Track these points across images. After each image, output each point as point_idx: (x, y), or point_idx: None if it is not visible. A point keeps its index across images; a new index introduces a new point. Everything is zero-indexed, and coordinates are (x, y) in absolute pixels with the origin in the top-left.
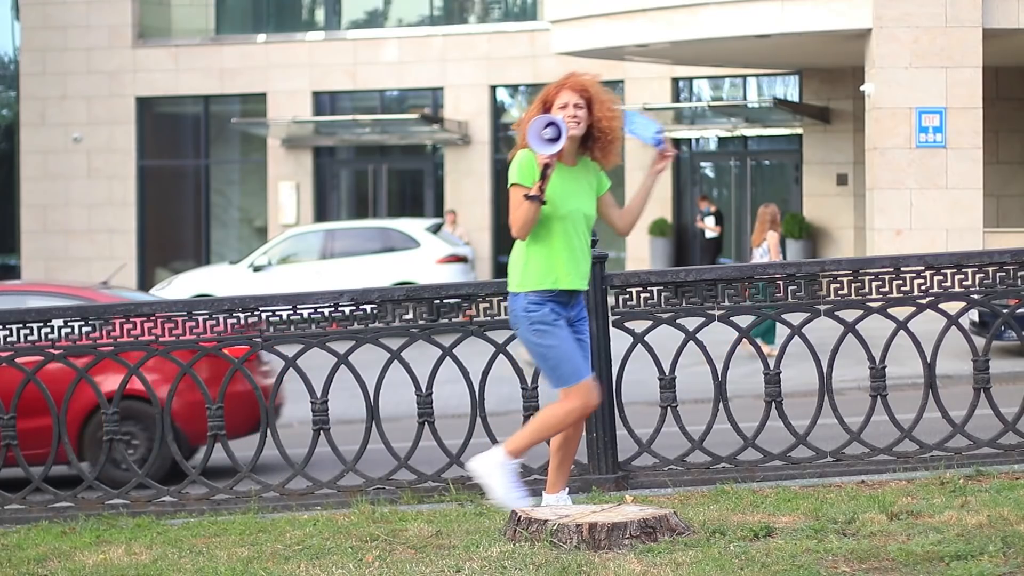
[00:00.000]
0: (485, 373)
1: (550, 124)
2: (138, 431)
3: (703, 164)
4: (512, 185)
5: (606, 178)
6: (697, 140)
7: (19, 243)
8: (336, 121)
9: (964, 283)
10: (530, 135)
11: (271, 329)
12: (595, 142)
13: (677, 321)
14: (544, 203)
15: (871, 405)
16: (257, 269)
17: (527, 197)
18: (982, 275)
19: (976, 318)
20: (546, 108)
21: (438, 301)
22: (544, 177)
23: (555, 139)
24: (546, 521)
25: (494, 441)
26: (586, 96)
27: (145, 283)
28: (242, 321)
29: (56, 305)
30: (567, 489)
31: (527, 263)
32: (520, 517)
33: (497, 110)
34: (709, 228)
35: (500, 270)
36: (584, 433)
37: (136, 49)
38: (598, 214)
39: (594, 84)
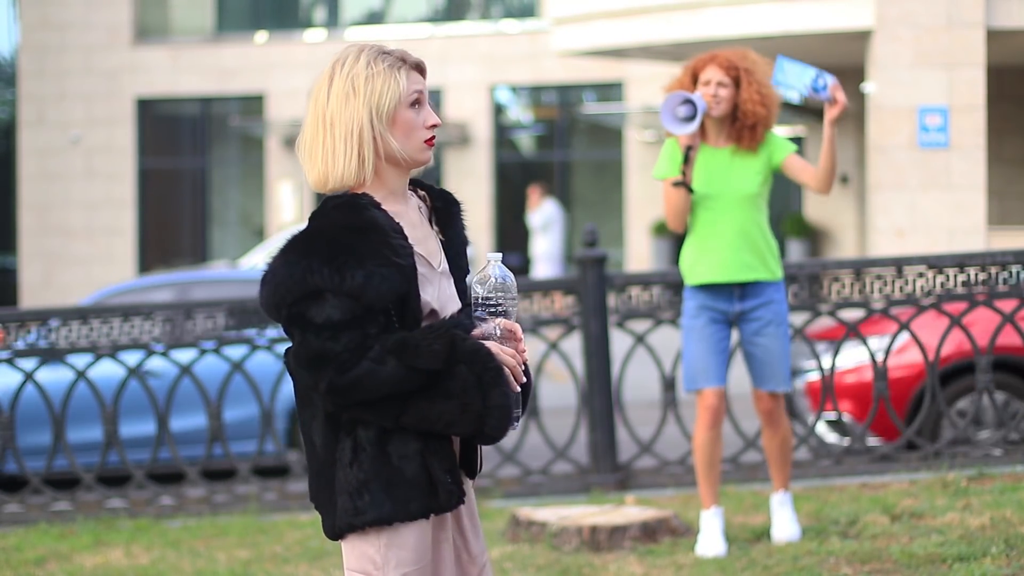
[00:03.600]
0: None
1: (686, 102)
2: None
3: None
4: (660, 179)
5: (780, 147)
6: None
7: (17, 243)
8: None
9: (966, 283)
10: (663, 113)
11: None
12: (734, 123)
13: (678, 321)
14: (691, 190)
15: (873, 406)
16: (257, 268)
17: (673, 184)
18: (984, 275)
19: None
20: (693, 81)
21: None
22: (687, 160)
23: (691, 117)
24: (546, 523)
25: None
26: (733, 74)
27: None
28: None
29: (54, 307)
30: (715, 507)
31: (683, 255)
32: (521, 519)
33: (497, 110)
34: None
35: None
36: (590, 432)
37: (135, 49)
38: (795, 180)
39: (746, 60)
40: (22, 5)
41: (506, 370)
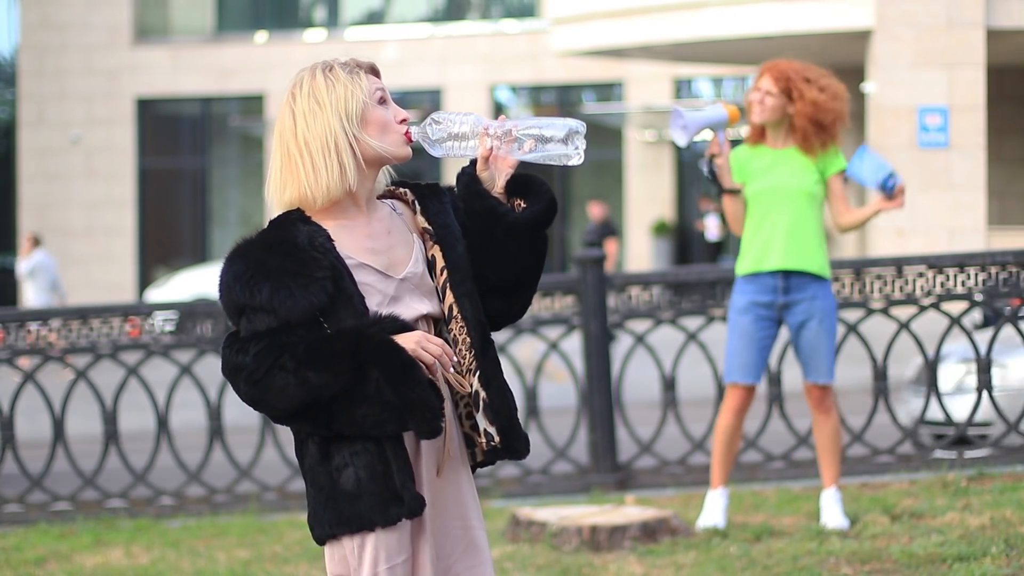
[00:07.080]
0: None
1: (676, 112)
2: None
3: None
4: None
5: (834, 163)
6: (698, 140)
7: (17, 243)
8: None
9: (966, 283)
10: (670, 122)
11: None
12: (793, 132)
13: (678, 321)
14: (734, 191)
15: (873, 406)
16: None
17: (717, 193)
18: (984, 275)
19: (979, 319)
20: (756, 86)
21: None
22: (712, 167)
23: (686, 127)
24: (546, 523)
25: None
26: (783, 85)
27: (144, 283)
28: None
29: (54, 307)
30: (722, 488)
31: (740, 251)
32: (521, 519)
33: (497, 110)
34: (709, 229)
35: None
36: (590, 432)
37: (135, 49)
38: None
39: (799, 72)
40: (22, 5)
41: (421, 362)
